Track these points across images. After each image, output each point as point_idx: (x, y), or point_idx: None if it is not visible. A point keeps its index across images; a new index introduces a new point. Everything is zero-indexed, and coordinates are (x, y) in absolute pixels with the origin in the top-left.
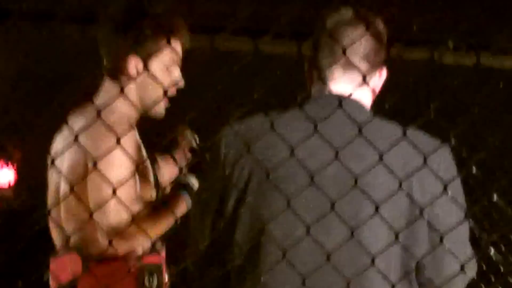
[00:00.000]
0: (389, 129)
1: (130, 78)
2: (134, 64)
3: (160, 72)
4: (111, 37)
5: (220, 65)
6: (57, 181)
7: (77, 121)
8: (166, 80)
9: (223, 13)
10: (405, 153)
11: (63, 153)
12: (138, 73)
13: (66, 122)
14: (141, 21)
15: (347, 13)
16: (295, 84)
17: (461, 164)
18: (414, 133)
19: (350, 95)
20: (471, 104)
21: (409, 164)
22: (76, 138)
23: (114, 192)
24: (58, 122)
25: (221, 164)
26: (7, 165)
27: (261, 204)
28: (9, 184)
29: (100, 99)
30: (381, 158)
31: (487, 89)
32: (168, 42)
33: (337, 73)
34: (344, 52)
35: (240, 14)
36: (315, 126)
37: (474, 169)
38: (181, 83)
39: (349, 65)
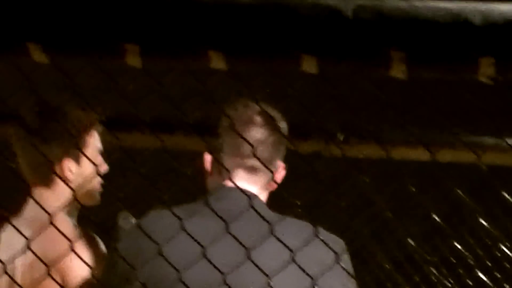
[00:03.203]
0: (296, 228)
1: (66, 181)
2: (68, 167)
3: (90, 166)
4: (33, 146)
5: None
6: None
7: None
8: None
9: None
10: (312, 254)
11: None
12: (72, 173)
13: None
14: (55, 121)
15: (252, 111)
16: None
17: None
18: (322, 232)
19: (256, 195)
20: None
21: (316, 263)
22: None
23: None
24: None
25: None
26: None
27: None
28: None
29: (32, 209)
30: (292, 258)
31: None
32: (91, 134)
33: (240, 173)
34: (250, 155)
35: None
36: (226, 224)
37: None
38: (106, 168)
39: (253, 169)
